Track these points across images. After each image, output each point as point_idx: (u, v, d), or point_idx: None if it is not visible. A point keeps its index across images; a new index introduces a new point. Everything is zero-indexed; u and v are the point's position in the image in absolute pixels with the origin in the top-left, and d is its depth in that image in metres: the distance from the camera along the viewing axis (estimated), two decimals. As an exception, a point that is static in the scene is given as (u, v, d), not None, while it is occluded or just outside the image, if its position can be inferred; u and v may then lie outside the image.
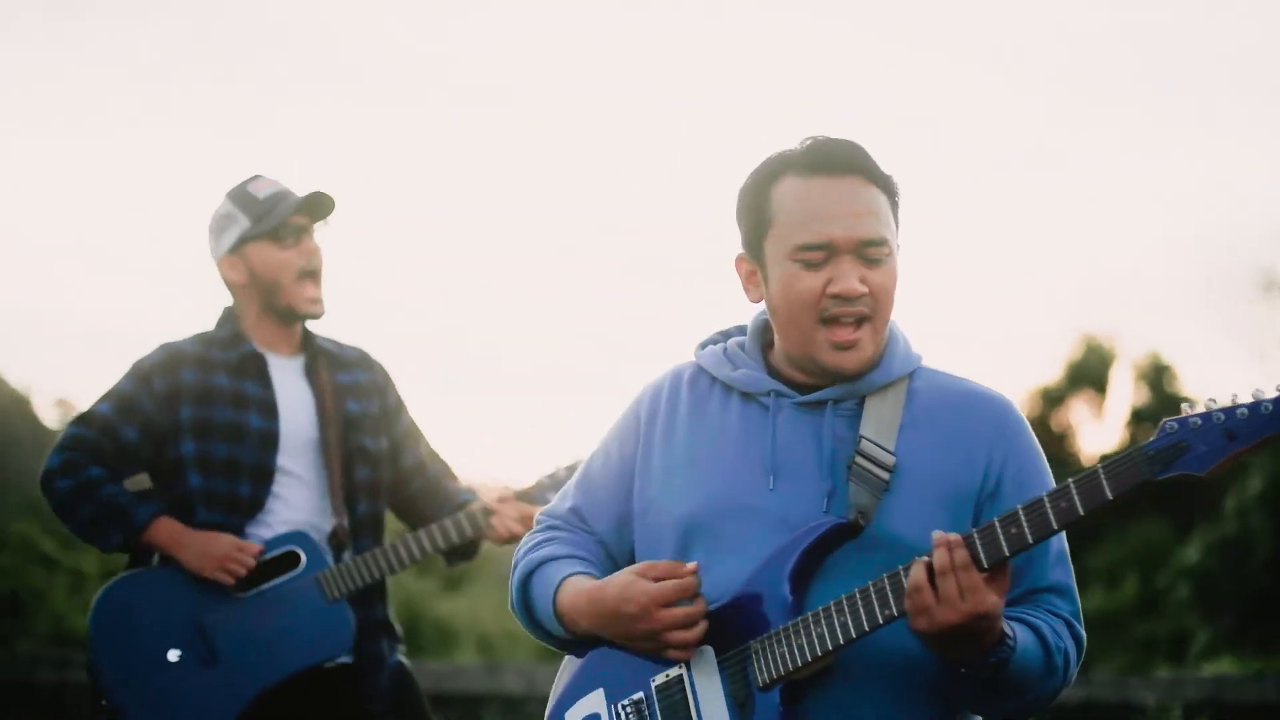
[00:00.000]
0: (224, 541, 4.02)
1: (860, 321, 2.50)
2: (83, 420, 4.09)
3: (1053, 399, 21.03)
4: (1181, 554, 16.96)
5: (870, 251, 2.49)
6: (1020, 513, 2.27)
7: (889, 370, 2.56)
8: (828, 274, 2.48)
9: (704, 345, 2.72)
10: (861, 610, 2.36)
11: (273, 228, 4.11)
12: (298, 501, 4.13)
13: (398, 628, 4.28)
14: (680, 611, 2.45)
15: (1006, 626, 2.34)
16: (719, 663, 2.48)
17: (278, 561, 4.07)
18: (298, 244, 4.14)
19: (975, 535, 2.29)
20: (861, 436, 2.50)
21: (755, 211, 2.56)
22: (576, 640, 2.63)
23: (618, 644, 2.54)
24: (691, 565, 2.47)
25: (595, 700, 2.60)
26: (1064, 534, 2.46)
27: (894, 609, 2.34)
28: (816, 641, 2.38)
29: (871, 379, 2.55)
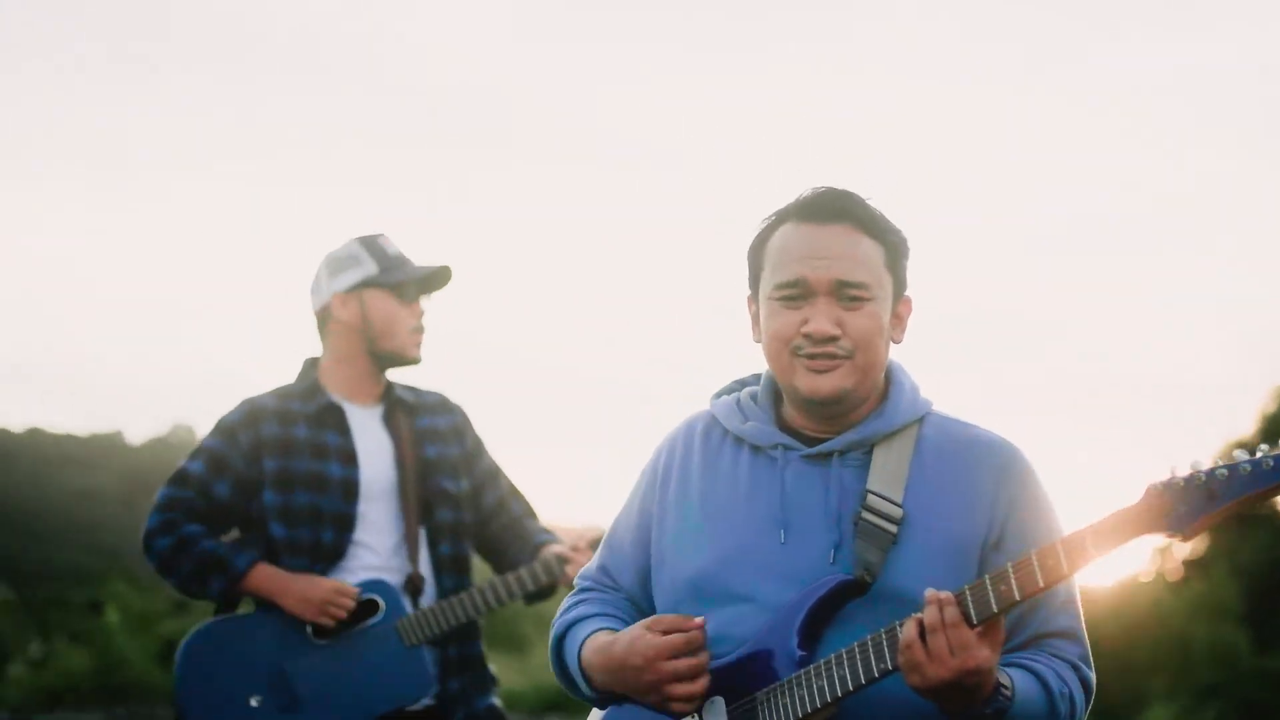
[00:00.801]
0: (324, 586, 4.15)
1: (839, 359, 2.54)
2: (176, 480, 4.25)
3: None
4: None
5: (848, 292, 2.54)
6: (1010, 570, 2.31)
7: (894, 417, 2.60)
8: (805, 314, 2.55)
9: (719, 395, 2.78)
10: (859, 663, 2.41)
11: (398, 283, 4.31)
12: (378, 547, 4.26)
13: (492, 669, 4.38)
14: (683, 663, 2.51)
15: (1003, 676, 2.38)
16: (729, 713, 2.54)
17: (358, 609, 4.19)
18: (413, 303, 4.35)
19: (967, 592, 2.33)
20: (869, 491, 2.54)
21: (754, 257, 2.65)
22: (605, 696, 2.69)
23: (631, 697, 2.60)
24: (698, 620, 2.52)
25: None
26: (1073, 578, 2.47)
27: (889, 664, 2.38)
28: (818, 693, 2.44)
29: (877, 427, 2.59)
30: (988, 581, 2.32)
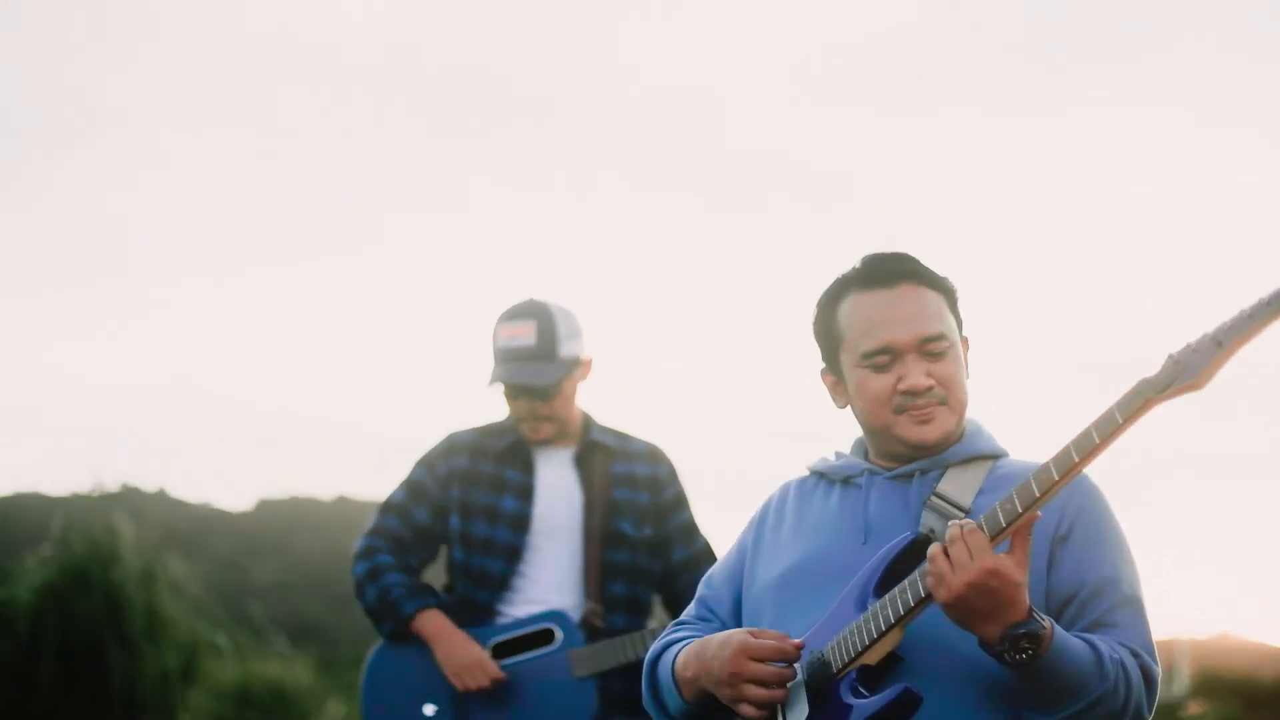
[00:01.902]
0: (473, 653, 4.43)
1: (938, 405, 2.74)
2: (383, 508, 4.64)
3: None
4: None
5: (931, 347, 2.74)
6: (1013, 491, 2.45)
7: (972, 447, 2.79)
8: (896, 373, 2.74)
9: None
10: (898, 598, 2.54)
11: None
12: (548, 581, 4.50)
13: None
14: (766, 669, 2.63)
15: (1039, 615, 2.45)
16: (806, 668, 2.64)
17: (535, 636, 4.44)
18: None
19: (982, 517, 2.47)
20: (940, 493, 2.73)
21: (827, 331, 2.84)
22: (692, 713, 2.81)
23: (712, 691, 2.71)
24: (797, 641, 2.65)
25: None
26: (1137, 583, 2.65)
27: (921, 591, 2.51)
28: (873, 628, 2.55)
29: (955, 451, 2.78)
30: (997, 505, 2.46)
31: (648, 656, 2.93)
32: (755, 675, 2.63)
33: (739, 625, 2.88)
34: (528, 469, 4.59)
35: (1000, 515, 2.46)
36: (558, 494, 4.57)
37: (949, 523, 2.51)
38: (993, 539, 2.45)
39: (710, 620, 2.94)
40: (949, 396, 2.75)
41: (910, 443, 2.76)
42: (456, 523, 4.56)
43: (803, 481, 2.96)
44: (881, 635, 2.56)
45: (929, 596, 2.50)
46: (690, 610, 3.00)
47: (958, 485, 2.74)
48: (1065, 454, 2.41)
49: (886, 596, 2.57)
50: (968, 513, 2.68)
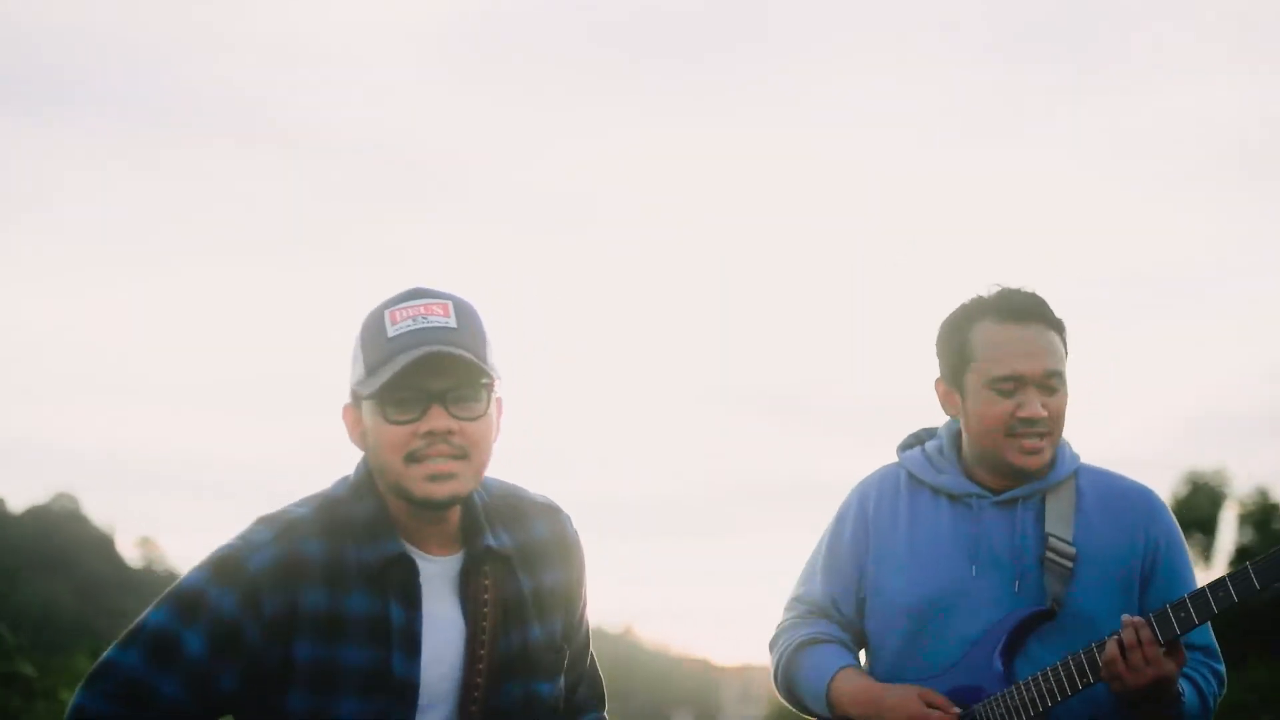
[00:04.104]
0: None
1: (1041, 437, 3.10)
2: (133, 645, 2.59)
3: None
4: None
5: (1050, 382, 3.11)
6: (1187, 600, 2.91)
7: (1060, 470, 3.18)
8: (1017, 400, 3.10)
9: (904, 447, 3.36)
10: (1064, 679, 3.00)
11: None
12: None
13: None
14: None
15: (1182, 694, 2.99)
16: None
17: None
18: None
19: (1153, 618, 2.92)
20: (1049, 534, 3.12)
21: (957, 348, 3.18)
22: (826, 712, 3.21)
23: None
24: (956, 710, 3.07)
25: None
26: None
27: (1090, 677, 2.98)
28: (1029, 705, 3.02)
29: (1048, 477, 3.17)
30: (1169, 610, 2.92)
31: (791, 636, 3.28)
32: None
33: (858, 620, 3.27)
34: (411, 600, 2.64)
35: (1175, 623, 2.91)
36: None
37: (1124, 620, 2.92)
38: (1163, 645, 2.90)
39: (829, 617, 3.29)
40: (1054, 427, 3.12)
41: (1015, 468, 3.13)
42: (301, 701, 2.52)
43: (906, 480, 3.27)
44: (1040, 715, 3.01)
45: (1095, 683, 2.97)
46: (811, 594, 3.31)
47: (1057, 520, 3.13)
48: (1221, 588, 2.92)
49: (1041, 676, 3.01)
50: (1074, 560, 3.09)
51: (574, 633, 2.75)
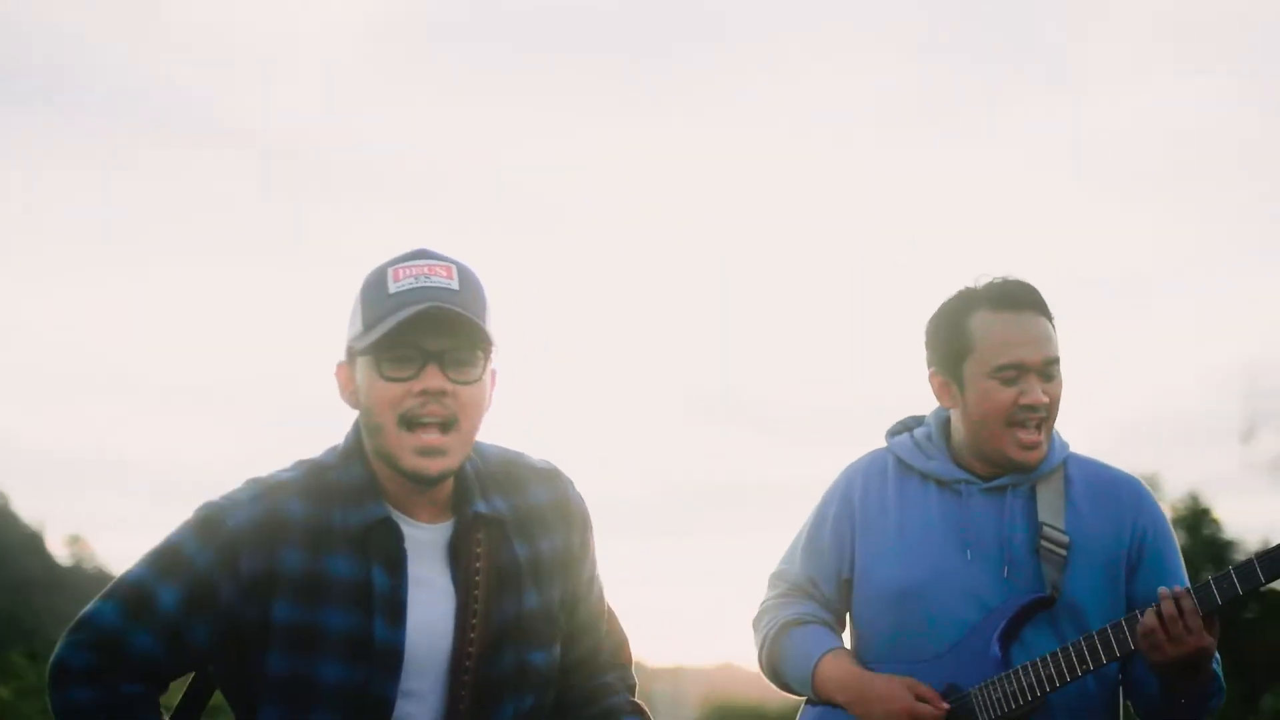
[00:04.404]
0: None
1: (1039, 425, 3.13)
2: (115, 599, 2.54)
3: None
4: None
5: (1050, 369, 3.13)
6: (1231, 572, 2.93)
7: (1051, 459, 3.19)
8: (1020, 388, 3.11)
9: (893, 433, 3.34)
10: (1063, 664, 3.02)
11: None
12: None
13: None
14: None
15: (1216, 667, 3.02)
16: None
17: None
18: None
19: (1191, 590, 2.94)
20: (1042, 523, 3.13)
21: (954, 338, 3.18)
22: (816, 696, 3.22)
23: (852, 714, 3.15)
24: (945, 706, 3.08)
25: None
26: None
27: (1103, 657, 3.00)
28: (1028, 689, 3.04)
29: (1040, 467, 3.17)
30: (1211, 581, 2.93)
31: (773, 624, 3.27)
32: None
33: (840, 601, 3.27)
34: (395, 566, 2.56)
35: (1217, 594, 2.92)
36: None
37: (1160, 592, 2.94)
38: (1204, 616, 2.92)
39: (813, 597, 3.29)
40: (1051, 413, 3.14)
41: (1012, 462, 3.14)
42: (280, 662, 2.48)
43: (895, 465, 3.27)
44: (1039, 698, 3.02)
45: (1102, 666, 3.01)
46: (791, 573, 3.31)
47: (1049, 508, 3.14)
48: (1266, 556, 2.93)
49: (1042, 660, 3.02)
50: (1067, 547, 3.11)
51: (579, 600, 2.70)
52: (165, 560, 2.48)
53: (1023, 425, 3.11)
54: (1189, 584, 3.05)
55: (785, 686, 3.31)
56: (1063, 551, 3.10)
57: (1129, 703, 3.20)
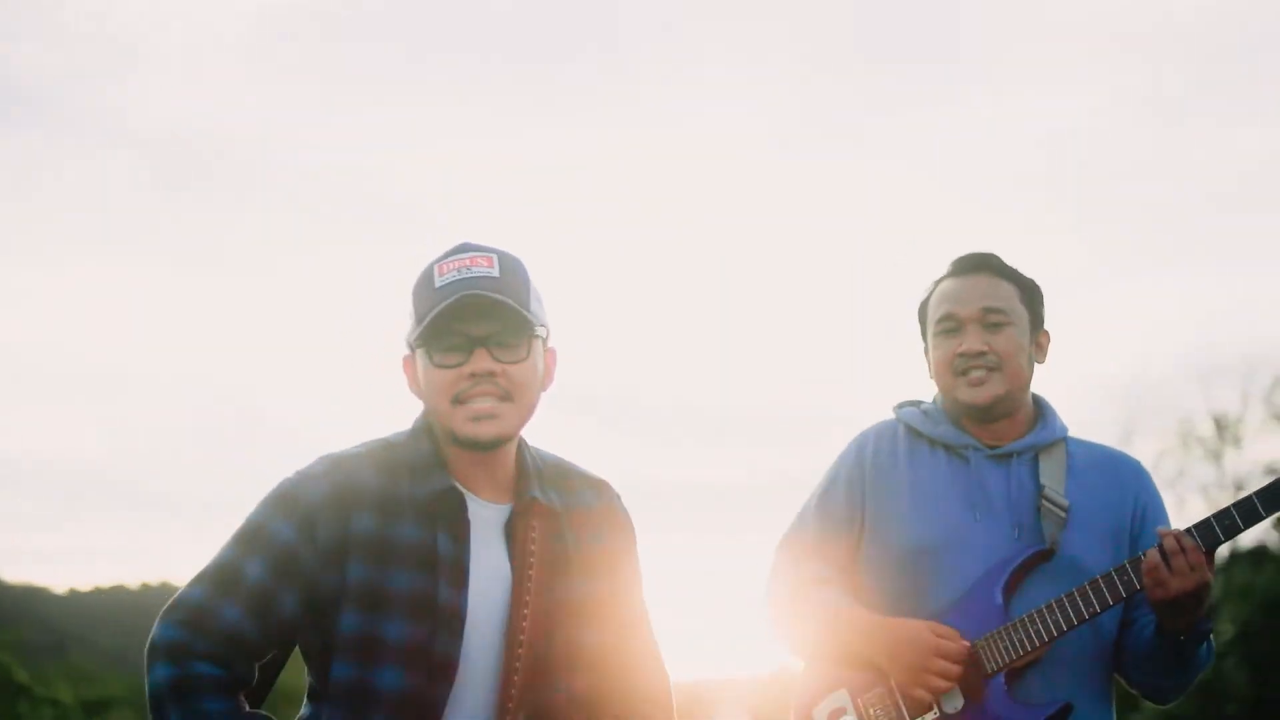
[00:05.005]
0: None
1: (988, 372, 3.25)
2: (207, 582, 2.72)
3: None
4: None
5: (990, 318, 3.27)
6: (1232, 509, 3.07)
7: (1051, 432, 3.34)
8: (958, 339, 3.27)
9: (901, 406, 3.46)
10: (1069, 609, 3.12)
11: None
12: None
13: None
14: (952, 667, 3.18)
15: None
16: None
17: None
18: None
19: (1193, 529, 3.07)
20: (1043, 485, 3.26)
21: (922, 313, 3.39)
22: (812, 650, 3.34)
23: (877, 660, 3.24)
24: (967, 644, 3.18)
25: (839, 696, 3.31)
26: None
27: (1109, 598, 3.11)
28: (1034, 636, 3.14)
29: (1042, 437, 3.33)
30: (1211, 518, 3.07)
31: (786, 581, 3.35)
32: (940, 671, 3.17)
33: (852, 561, 3.35)
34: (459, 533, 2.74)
35: (1219, 531, 3.06)
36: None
37: (1158, 531, 3.10)
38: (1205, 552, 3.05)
39: (824, 558, 3.35)
40: (1003, 365, 3.25)
41: (964, 402, 3.28)
42: (352, 621, 2.65)
43: (905, 432, 3.39)
44: (1044, 644, 3.14)
45: (1101, 611, 3.11)
46: (806, 536, 3.38)
47: (1051, 475, 3.27)
48: (1266, 491, 3.07)
49: (1044, 609, 3.14)
50: (1067, 511, 3.23)
51: (619, 603, 2.82)
52: (248, 538, 2.64)
53: (965, 374, 3.24)
54: None
55: (801, 643, 3.37)
56: (1062, 514, 3.22)
57: (1122, 671, 3.30)
